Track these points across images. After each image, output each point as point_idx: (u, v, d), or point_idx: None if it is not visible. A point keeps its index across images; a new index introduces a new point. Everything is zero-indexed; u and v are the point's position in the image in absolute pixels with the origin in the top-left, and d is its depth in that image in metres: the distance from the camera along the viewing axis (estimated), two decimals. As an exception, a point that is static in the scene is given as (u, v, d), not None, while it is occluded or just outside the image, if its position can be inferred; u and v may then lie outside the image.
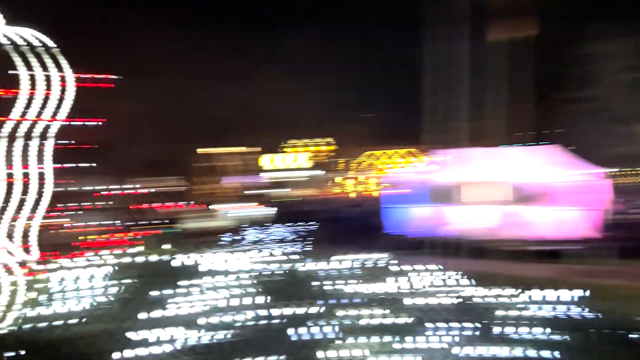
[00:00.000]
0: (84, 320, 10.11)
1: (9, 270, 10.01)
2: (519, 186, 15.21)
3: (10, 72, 9.94)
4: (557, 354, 7.79)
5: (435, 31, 9.95)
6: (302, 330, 8.89)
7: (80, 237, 20.00)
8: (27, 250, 10.22)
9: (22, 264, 10.19)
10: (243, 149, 55.19)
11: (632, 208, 20.67)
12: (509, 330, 8.65)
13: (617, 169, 30.74)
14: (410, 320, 9.12)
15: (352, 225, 23.32)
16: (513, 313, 9.41)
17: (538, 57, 43.11)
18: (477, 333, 8.51)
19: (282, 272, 13.65)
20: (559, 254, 17.39)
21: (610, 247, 16.86)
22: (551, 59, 41.73)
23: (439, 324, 8.77)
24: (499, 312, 9.48)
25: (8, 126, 9.99)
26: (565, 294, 9.70)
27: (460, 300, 10.10)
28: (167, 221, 24.16)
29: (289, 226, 24.69)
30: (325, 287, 11.56)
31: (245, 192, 45.19)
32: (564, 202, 17.42)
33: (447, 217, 18.36)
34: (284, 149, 64.84)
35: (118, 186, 27.24)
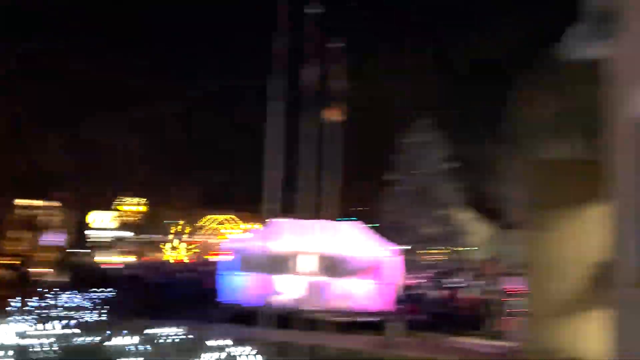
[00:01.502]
0: None
1: None
2: (326, 258, 16.55)
3: None
4: None
5: (275, 105, 10.90)
6: None
7: None
8: None
9: None
10: (40, 202, 49.88)
11: (433, 283, 23.14)
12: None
13: (423, 247, 34.27)
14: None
15: (179, 293, 22.99)
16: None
17: (369, 141, 47.64)
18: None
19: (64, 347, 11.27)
20: (362, 324, 19.02)
21: (403, 319, 18.85)
22: (382, 144, 46.12)
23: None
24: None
25: None
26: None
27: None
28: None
29: (89, 292, 22.88)
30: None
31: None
32: (364, 276, 19.14)
33: (268, 286, 19.19)
34: (113, 207, 61.40)
35: None
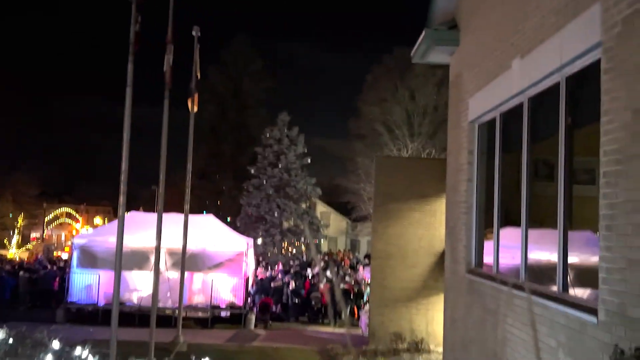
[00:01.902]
0: None
1: None
2: (179, 253, 16.17)
3: None
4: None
5: (127, 93, 10.28)
6: None
7: None
8: None
9: None
10: None
11: (291, 275, 23.45)
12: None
13: (281, 239, 34.77)
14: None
15: (21, 293, 21.08)
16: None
17: (226, 134, 47.14)
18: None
19: None
20: (220, 319, 18.92)
21: (262, 311, 19.09)
22: (241, 138, 45.84)
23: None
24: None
25: None
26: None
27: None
28: None
29: None
30: None
31: None
32: (221, 270, 18.99)
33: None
34: None
35: None
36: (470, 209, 8.53)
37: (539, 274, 6.33)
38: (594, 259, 5.34)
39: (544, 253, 6.53)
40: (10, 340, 3.29)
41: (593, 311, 4.69)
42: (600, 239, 4.66)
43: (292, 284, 20.57)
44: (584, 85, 5.51)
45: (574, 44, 5.26)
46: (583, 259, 5.77)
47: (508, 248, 7.40)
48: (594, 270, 4.79)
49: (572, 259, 5.64)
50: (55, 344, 3.25)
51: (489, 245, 7.99)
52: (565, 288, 5.56)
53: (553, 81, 5.87)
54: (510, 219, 7.44)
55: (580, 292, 5.54)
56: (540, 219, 6.73)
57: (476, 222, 8.42)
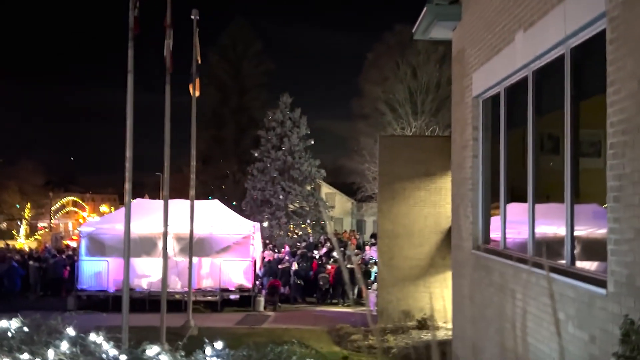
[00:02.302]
0: None
1: None
2: (186, 238, 16.26)
3: None
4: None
5: (128, 79, 10.23)
6: None
7: None
8: None
9: None
10: None
11: (298, 257, 23.56)
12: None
13: (287, 222, 34.88)
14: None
15: (31, 282, 21.29)
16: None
17: (230, 118, 47.06)
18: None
19: None
20: (229, 302, 19.08)
21: (271, 293, 19.23)
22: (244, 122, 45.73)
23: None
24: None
25: None
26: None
27: None
28: None
29: None
30: None
31: None
32: (228, 254, 19.10)
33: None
34: None
35: None
36: (476, 186, 8.52)
37: (546, 248, 6.34)
38: (600, 232, 5.34)
39: (551, 227, 6.53)
40: (26, 329, 3.33)
41: (602, 283, 4.70)
42: (608, 210, 4.65)
43: (295, 265, 20.67)
44: (589, 57, 5.45)
45: (578, 15, 5.19)
46: (590, 231, 5.78)
47: (515, 223, 7.40)
48: (601, 243, 4.79)
49: (579, 232, 5.64)
50: (70, 331, 3.28)
51: (495, 221, 7.99)
52: (572, 261, 5.57)
53: (557, 53, 5.81)
54: (516, 195, 7.43)
55: (587, 265, 5.56)
56: (547, 193, 6.72)
57: (482, 199, 8.42)
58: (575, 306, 5.13)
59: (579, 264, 5.55)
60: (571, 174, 5.57)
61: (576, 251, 5.62)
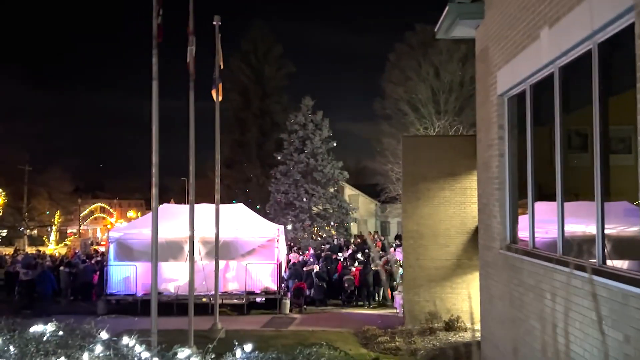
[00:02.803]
0: None
1: None
2: (212, 242, 16.39)
3: None
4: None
5: (153, 86, 10.41)
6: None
7: None
8: None
9: None
10: None
11: (323, 259, 23.58)
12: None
13: (311, 224, 34.91)
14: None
15: (61, 287, 21.67)
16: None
17: (258, 123, 47.33)
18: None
19: None
20: (256, 305, 19.18)
21: (295, 296, 19.27)
22: (272, 127, 45.93)
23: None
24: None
25: None
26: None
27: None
28: None
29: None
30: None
31: None
32: (253, 257, 19.20)
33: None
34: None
35: None
36: (503, 185, 8.42)
37: (577, 247, 6.23)
38: (632, 229, 5.24)
39: (580, 226, 6.42)
40: (60, 332, 3.40)
41: (635, 282, 4.60)
42: (641, 208, 4.55)
43: (316, 267, 20.66)
44: (617, 52, 5.35)
45: (605, 9, 5.10)
46: (621, 230, 5.66)
47: (543, 222, 7.30)
48: (633, 241, 4.69)
49: (609, 230, 5.54)
50: (104, 335, 3.35)
51: (523, 221, 7.89)
52: (604, 260, 5.47)
53: (584, 49, 5.72)
54: (543, 193, 7.33)
55: (619, 264, 5.45)
56: (575, 191, 6.61)
57: (510, 198, 8.32)
58: (608, 306, 5.03)
59: (611, 262, 5.44)
60: (601, 171, 5.48)
61: (607, 250, 5.51)
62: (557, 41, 6.19)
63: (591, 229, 5.65)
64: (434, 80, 35.13)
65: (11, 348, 3.25)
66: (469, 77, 32.53)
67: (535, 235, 7.43)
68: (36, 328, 3.45)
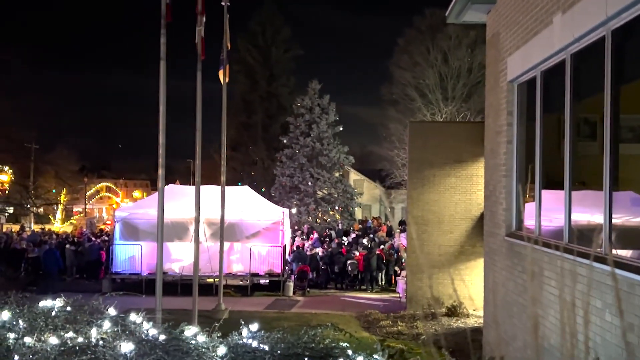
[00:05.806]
0: None
1: None
2: (216, 223, 16.45)
3: None
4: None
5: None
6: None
7: None
8: None
9: None
10: None
11: (327, 243, 23.68)
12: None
13: (316, 208, 34.96)
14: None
15: (67, 265, 21.87)
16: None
17: (264, 105, 47.28)
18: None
19: None
20: (259, 286, 19.30)
21: (299, 279, 19.36)
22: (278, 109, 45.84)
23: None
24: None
25: None
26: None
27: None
28: None
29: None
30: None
31: None
32: (257, 239, 19.28)
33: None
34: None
35: None
36: (510, 172, 8.39)
37: (583, 236, 6.22)
38: (638, 219, 5.22)
39: (586, 214, 6.40)
40: (69, 308, 3.44)
41: (642, 271, 4.60)
42: (650, 197, 4.53)
43: (320, 251, 20.73)
44: (632, 39, 5.29)
45: (621, -4, 5.03)
46: (627, 219, 5.64)
47: (549, 210, 7.28)
48: (639, 230, 4.68)
49: (616, 219, 5.52)
50: (112, 311, 3.38)
51: (529, 208, 7.87)
52: (610, 249, 5.46)
53: (598, 36, 5.65)
54: (551, 181, 7.30)
55: (625, 253, 5.44)
56: (583, 179, 6.58)
57: (516, 185, 8.30)
58: (613, 294, 5.03)
59: (617, 251, 5.43)
60: (610, 160, 5.44)
61: (614, 238, 5.50)
62: (570, 27, 6.12)
63: (597, 217, 5.64)
64: (442, 66, 34.85)
65: (20, 322, 3.29)
66: (477, 64, 32.25)
67: (542, 222, 7.42)
68: (45, 303, 3.49)
